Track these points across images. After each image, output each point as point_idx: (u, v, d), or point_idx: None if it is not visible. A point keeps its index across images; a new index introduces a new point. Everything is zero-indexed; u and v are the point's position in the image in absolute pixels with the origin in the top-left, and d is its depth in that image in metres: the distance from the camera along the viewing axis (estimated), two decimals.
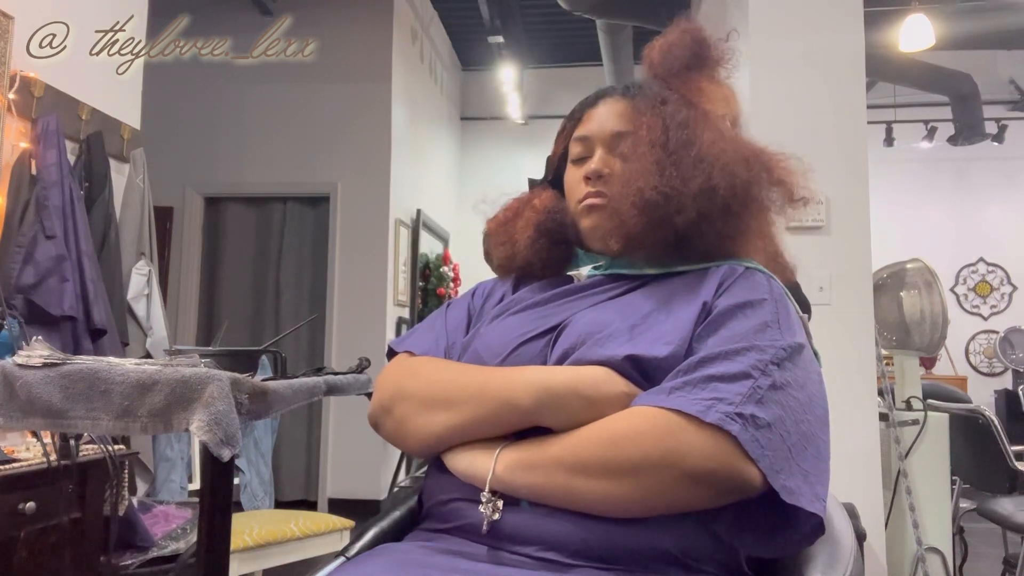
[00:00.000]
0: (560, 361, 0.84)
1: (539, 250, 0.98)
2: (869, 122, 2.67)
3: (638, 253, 0.92)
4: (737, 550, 0.79)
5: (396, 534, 0.96)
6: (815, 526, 0.74)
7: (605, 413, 0.77)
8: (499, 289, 1.03)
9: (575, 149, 0.99)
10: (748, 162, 0.90)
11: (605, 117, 0.98)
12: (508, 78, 5.90)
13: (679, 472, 0.72)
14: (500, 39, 5.33)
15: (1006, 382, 6.61)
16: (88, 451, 1.85)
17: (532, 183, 1.08)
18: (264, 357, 1.32)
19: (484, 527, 0.78)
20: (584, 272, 0.97)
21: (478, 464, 0.81)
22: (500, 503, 0.78)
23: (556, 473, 0.76)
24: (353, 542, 0.95)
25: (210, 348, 1.28)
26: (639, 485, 0.73)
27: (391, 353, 1.00)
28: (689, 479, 0.72)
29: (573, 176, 0.99)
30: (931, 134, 6.28)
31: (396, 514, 0.99)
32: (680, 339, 0.82)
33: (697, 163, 0.88)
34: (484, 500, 0.78)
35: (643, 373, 0.80)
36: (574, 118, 1.03)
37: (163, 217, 4.78)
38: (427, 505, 0.89)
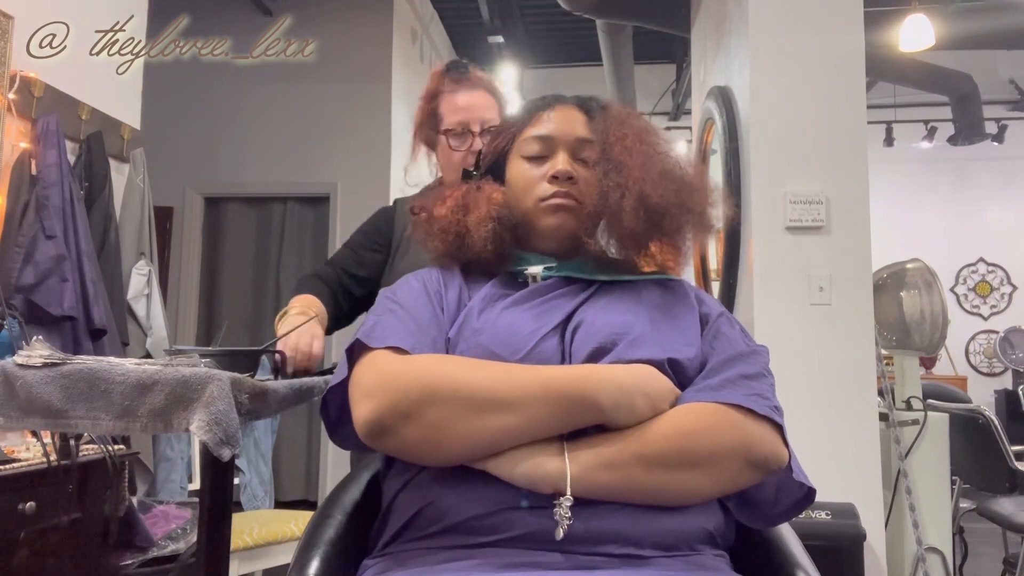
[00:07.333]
0: (592, 359, 0.84)
1: (501, 244, 0.96)
2: (869, 122, 2.67)
3: (592, 257, 0.96)
4: (734, 524, 0.88)
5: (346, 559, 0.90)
6: (802, 499, 0.85)
7: (660, 410, 0.81)
8: (452, 281, 0.97)
9: (532, 147, 0.99)
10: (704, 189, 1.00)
11: (568, 122, 0.99)
12: (508, 78, 5.89)
13: (746, 459, 0.80)
14: (500, 39, 5.33)
15: (1006, 382, 6.61)
16: (88, 451, 1.86)
17: (467, 174, 1.06)
18: (264, 357, 1.32)
19: (560, 533, 0.74)
20: (539, 271, 0.95)
21: (548, 468, 0.76)
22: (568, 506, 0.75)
23: (636, 469, 0.77)
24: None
25: (210, 348, 1.28)
26: (715, 473, 0.79)
27: (359, 349, 0.86)
28: (751, 464, 0.80)
29: (531, 173, 0.98)
30: (931, 134, 6.28)
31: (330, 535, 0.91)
32: (696, 343, 0.90)
33: (665, 179, 0.95)
34: (563, 504, 0.74)
35: (675, 372, 0.86)
36: (523, 117, 1.02)
37: (163, 217, 4.78)
38: (444, 523, 0.79)
